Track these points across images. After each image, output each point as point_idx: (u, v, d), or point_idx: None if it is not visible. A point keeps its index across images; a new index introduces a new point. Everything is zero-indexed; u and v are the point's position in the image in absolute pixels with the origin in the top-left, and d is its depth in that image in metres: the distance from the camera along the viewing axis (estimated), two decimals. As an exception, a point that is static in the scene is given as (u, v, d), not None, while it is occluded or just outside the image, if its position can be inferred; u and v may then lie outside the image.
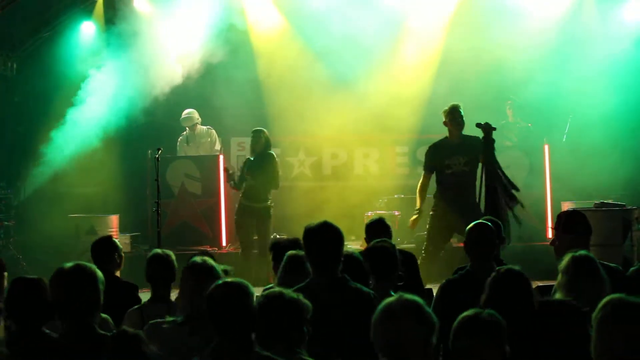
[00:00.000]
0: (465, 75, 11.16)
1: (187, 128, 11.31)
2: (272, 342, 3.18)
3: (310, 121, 11.41)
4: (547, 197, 10.66)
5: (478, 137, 7.67)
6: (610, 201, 8.94)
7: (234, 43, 11.56)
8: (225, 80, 11.52)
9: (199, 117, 11.29)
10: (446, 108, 7.80)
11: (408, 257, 5.59)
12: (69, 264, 3.33)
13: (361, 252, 4.62)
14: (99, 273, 3.34)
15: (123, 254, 5.62)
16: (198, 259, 3.86)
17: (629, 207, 8.64)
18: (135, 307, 4.61)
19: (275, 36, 12.11)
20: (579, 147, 10.68)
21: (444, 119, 7.81)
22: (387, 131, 11.66)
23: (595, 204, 8.79)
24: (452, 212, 7.64)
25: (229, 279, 3.18)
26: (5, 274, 5.36)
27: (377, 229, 5.66)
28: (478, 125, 7.52)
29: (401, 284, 4.53)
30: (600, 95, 10.95)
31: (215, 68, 11.49)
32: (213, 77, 11.58)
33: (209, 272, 3.74)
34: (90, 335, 3.24)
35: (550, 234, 10.89)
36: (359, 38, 11.30)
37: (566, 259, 3.88)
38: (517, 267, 3.70)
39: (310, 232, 4.06)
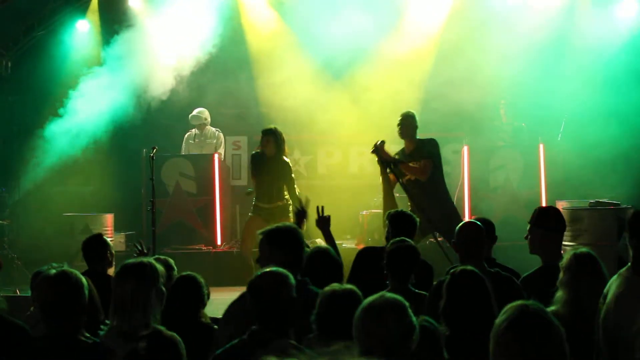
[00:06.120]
0: (459, 75, 11.15)
1: (195, 127, 11.28)
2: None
3: (305, 120, 11.39)
4: (542, 197, 10.67)
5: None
6: (605, 200, 8.94)
7: (229, 42, 11.54)
8: (220, 79, 11.50)
9: (208, 117, 11.21)
10: None
11: (424, 268, 5.24)
12: (53, 270, 3.31)
13: (385, 251, 4.51)
14: (83, 279, 3.33)
15: (114, 252, 5.66)
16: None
17: (624, 206, 8.63)
18: None
19: (270, 35, 12.08)
20: (574, 146, 10.68)
21: None
22: (382, 130, 11.63)
23: (590, 202, 8.79)
24: None
25: (272, 269, 3.22)
26: None
27: (402, 220, 5.43)
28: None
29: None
30: (595, 94, 10.96)
31: (210, 66, 11.46)
32: (208, 75, 11.55)
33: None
34: (73, 341, 3.23)
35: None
36: (354, 36, 11.27)
37: (567, 256, 3.90)
38: (469, 267, 3.69)
39: (270, 234, 4.01)
